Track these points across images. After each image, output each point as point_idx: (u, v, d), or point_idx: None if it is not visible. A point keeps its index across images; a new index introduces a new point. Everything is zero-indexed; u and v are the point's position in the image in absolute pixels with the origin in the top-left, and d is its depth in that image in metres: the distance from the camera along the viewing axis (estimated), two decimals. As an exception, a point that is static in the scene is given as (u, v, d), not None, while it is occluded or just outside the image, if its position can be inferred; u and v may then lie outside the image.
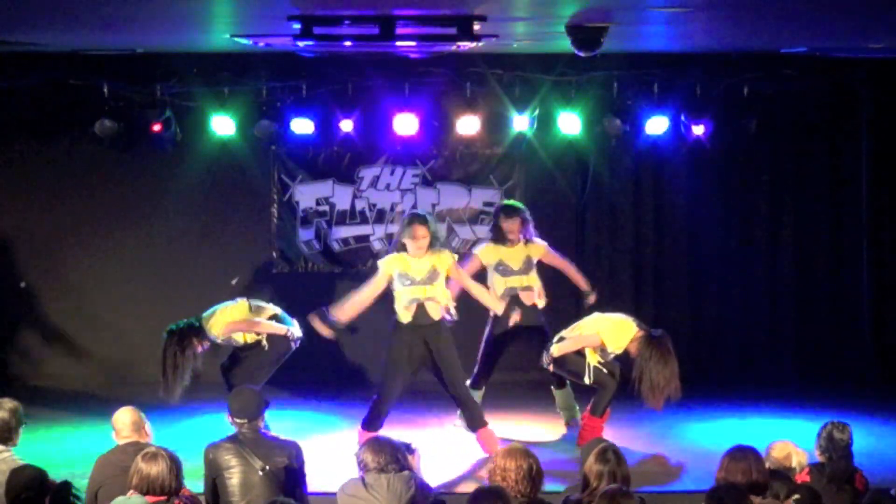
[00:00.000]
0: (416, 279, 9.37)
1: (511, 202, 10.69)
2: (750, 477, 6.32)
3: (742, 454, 6.48)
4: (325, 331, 9.56)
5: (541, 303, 10.36)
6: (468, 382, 10.11)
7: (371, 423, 9.50)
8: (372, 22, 7.99)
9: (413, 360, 9.52)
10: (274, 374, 9.98)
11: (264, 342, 9.82)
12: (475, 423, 9.64)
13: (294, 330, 9.90)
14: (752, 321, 12.73)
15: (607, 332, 9.63)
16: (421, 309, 9.41)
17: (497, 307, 9.88)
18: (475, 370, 10.40)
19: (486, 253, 10.31)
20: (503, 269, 10.27)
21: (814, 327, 12.73)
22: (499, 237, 10.30)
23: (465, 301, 9.87)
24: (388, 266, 9.46)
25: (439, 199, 12.59)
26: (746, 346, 12.73)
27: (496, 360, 10.47)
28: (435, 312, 9.42)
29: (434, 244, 9.43)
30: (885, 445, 9.96)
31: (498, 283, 10.26)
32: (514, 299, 10.17)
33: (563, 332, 9.86)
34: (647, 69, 11.62)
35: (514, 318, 9.79)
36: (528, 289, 10.28)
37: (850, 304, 12.70)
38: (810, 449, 7.35)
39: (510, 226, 10.21)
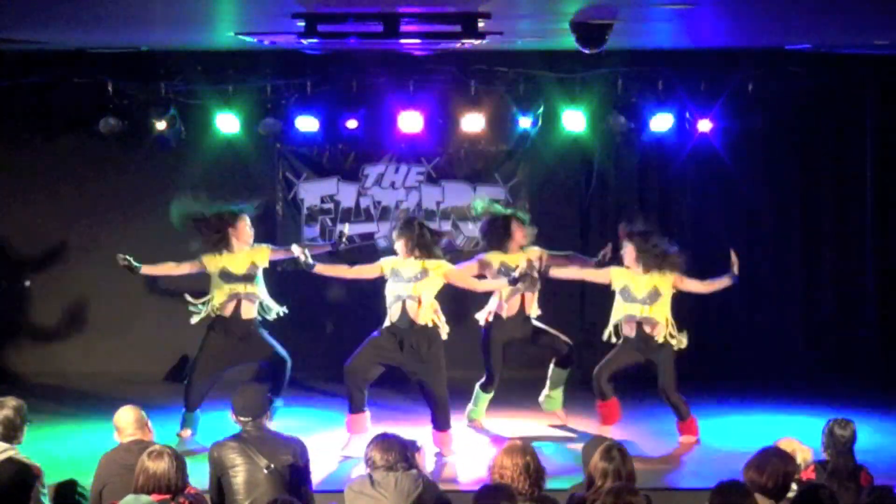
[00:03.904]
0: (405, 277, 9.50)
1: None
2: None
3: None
4: (299, 253, 9.63)
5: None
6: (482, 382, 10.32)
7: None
8: (376, 19, 7.99)
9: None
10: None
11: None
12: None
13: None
14: (758, 317, 12.73)
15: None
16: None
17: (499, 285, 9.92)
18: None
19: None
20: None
21: (820, 323, 12.73)
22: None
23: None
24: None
25: (444, 197, 12.59)
26: (752, 342, 12.71)
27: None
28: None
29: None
30: (891, 442, 9.94)
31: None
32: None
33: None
34: (651, 66, 11.60)
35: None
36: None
37: (855, 300, 12.69)
38: (816, 446, 7.35)
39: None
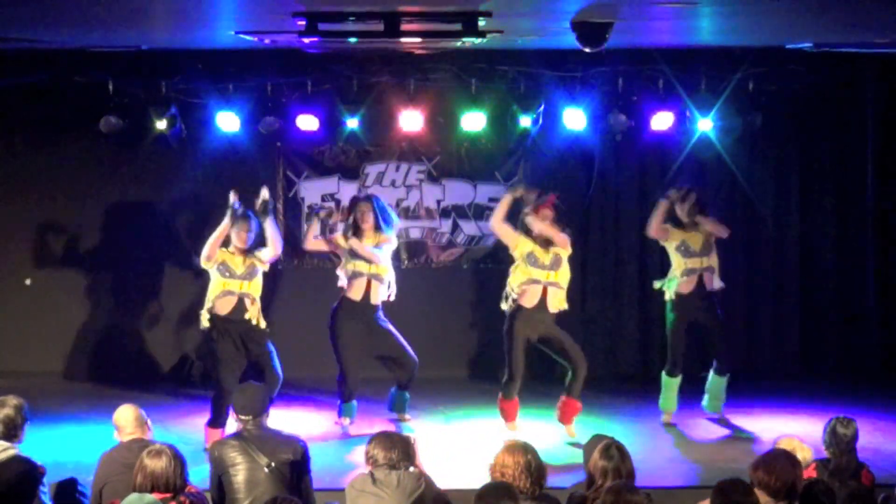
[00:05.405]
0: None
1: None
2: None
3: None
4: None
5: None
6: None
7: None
8: (377, 18, 7.98)
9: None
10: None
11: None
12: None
13: None
14: (758, 315, 12.73)
15: None
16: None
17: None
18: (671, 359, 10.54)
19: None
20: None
21: (820, 322, 12.73)
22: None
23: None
24: None
25: (444, 195, 12.59)
26: (752, 340, 12.72)
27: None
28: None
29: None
30: (892, 441, 9.94)
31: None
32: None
33: None
34: (652, 65, 11.60)
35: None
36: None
37: (856, 299, 12.70)
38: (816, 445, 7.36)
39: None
